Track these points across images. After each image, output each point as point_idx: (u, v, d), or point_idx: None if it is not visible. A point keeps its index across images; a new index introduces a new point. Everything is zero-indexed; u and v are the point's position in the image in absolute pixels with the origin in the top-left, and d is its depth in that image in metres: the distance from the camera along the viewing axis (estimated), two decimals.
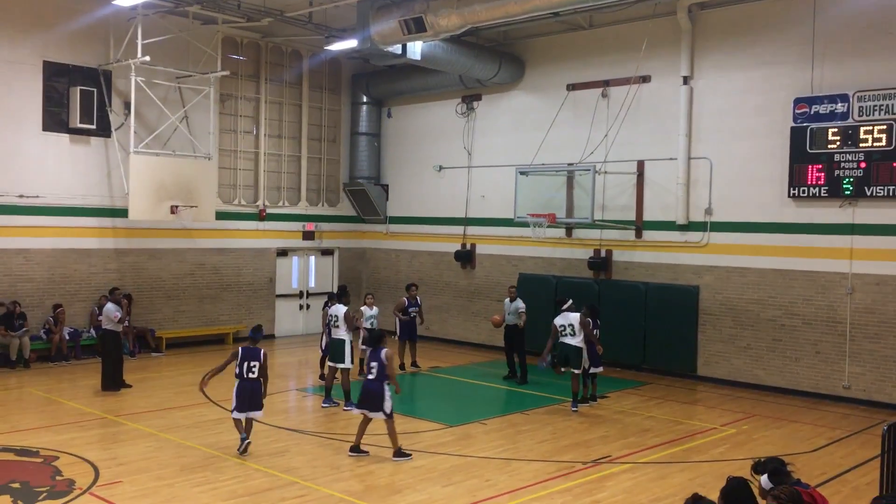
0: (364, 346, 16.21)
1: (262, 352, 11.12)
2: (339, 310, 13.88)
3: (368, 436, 12.07)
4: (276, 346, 20.57)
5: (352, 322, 13.99)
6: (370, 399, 10.85)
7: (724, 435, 12.60)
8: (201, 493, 9.36)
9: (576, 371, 13.84)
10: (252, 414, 11.04)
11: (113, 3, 16.25)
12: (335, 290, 21.04)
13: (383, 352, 10.91)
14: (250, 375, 10.98)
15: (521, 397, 15.48)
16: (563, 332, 13.90)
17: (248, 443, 10.93)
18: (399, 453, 10.82)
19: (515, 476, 10.24)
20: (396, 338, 17.44)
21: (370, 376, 10.89)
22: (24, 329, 16.68)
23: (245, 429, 11.00)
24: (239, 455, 10.80)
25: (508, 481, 10.03)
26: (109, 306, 14.84)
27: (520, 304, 16.23)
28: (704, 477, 10.30)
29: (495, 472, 10.42)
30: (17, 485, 9.40)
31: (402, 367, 17.24)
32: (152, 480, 9.75)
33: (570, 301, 14.32)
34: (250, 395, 10.97)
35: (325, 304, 15.90)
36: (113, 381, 14.73)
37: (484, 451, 11.35)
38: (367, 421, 11.01)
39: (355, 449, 10.96)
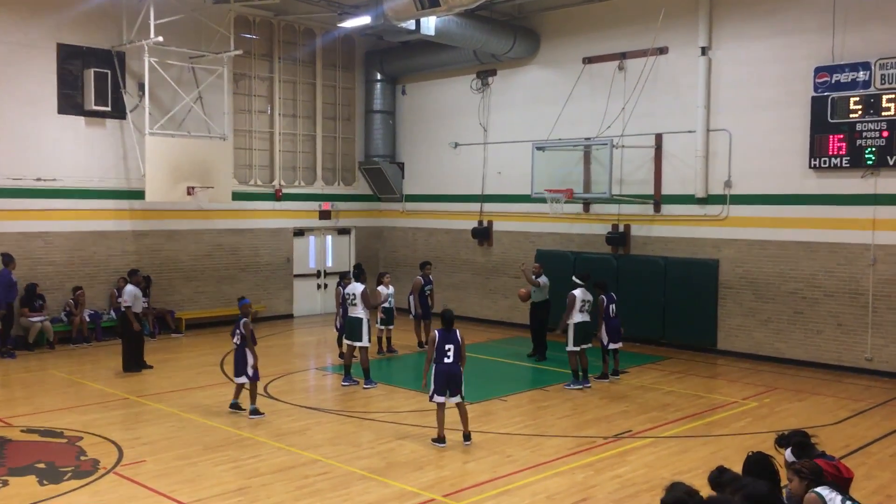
0: (382, 326, 16.39)
1: (241, 320, 11.87)
2: (357, 288, 13.87)
3: (387, 412, 12.12)
4: (294, 326, 20.65)
5: (369, 300, 13.98)
6: (455, 383, 10.41)
7: (745, 408, 12.53)
8: (224, 471, 9.41)
9: (585, 346, 13.91)
10: (236, 380, 11.94)
11: None
12: (349, 270, 21.19)
13: (458, 333, 10.54)
14: (236, 341, 11.91)
15: (540, 374, 15.46)
16: (584, 308, 13.90)
17: (233, 403, 11.97)
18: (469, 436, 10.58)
19: (537, 451, 10.24)
20: (412, 317, 17.43)
21: (447, 359, 10.36)
22: (43, 318, 16.76)
23: (239, 393, 12.01)
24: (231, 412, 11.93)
25: (530, 457, 10.02)
26: (129, 288, 14.91)
27: (543, 279, 16.19)
28: (727, 450, 10.24)
29: (517, 447, 10.41)
30: (42, 465, 9.50)
31: (420, 345, 17.27)
32: (176, 459, 9.81)
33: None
34: (235, 362, 11.96)
35: (339, 284, 15.92)
36: (134, 362, 14.83)
37: (505, 428, 11.34)
38: (445, 408, 10.54)
39: (442, 440, 10.45)
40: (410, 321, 17.60)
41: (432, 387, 10.48)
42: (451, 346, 10.41)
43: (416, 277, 17.57)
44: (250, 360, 11.73)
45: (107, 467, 9.45)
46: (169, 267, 19.27)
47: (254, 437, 10.76)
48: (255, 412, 11.70)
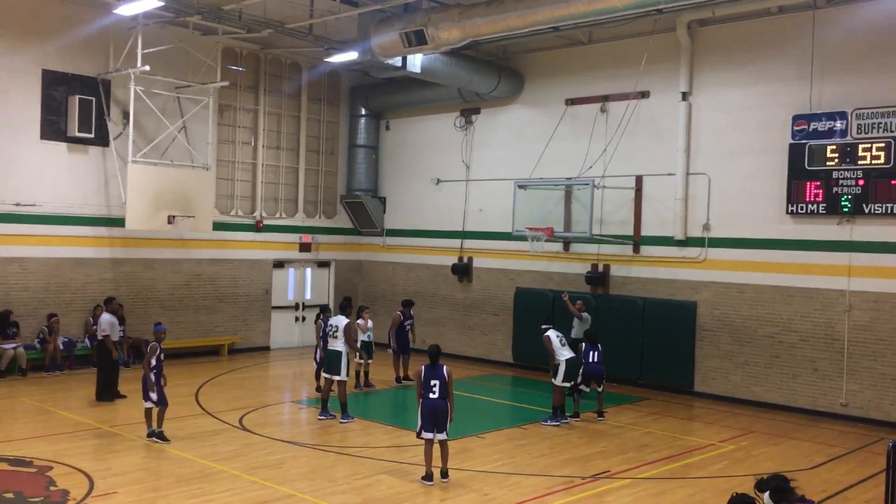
0: (361, 360, 16.29)
1: (149, 344, 12.28)
2: (341, 321, 13.82)
3: (364, 448, 12.02)
4: (270, 358, 20.47)
5: (351, 335, 13.91)
6: (440, 419, 10.29)
7: (722, 451, 12.55)
8: None
9: (567, 384, 14.08)
10: (144, 403, 12.12)
11: (114, 12, 16.22)
12: (328, 303, 21.16)
13: (444, 368, 10.44)
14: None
15: (518, 411, 15.43)
16: (564, 343, 14.05)
17: (150, 432, 12.03)
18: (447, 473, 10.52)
19: (515, 490, 10.17)
20: (391, 351, 17.38)
21: (432, 395, 10.26)
22: (16, 345, 16.51)
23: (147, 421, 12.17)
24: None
25: (507, 496, 9.95)
26: (105, 317, 14.76)
27: (585, 315, 16.25)
28: (704, 493, 10.25)
29: (494, 486, 10.35)
30: (10, 495, 9.30)
31: (397, 380, 17.20)
32: (148, 491, 9.65)
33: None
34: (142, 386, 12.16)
35: (318, 317, 15.86)
36: (108, 391, 14.62)
37: (482, 465, 11.28)
38: (433, 444, 10.40)
39: (430, 477, 10.34)
40: (389, 356, 17.53)
41: (419, 422, 10.41)
42: (437, 382, 10.37)
43: (395, 312, 17.54)
44: (146, 385, 11.92)
45: (77, 498, 9.25)
46: (146, 296, 19.09)
47: (227, 470, 10.61)
48: (154, 434, 11.93)
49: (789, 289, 15.75)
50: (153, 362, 11.89)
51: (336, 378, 13.65)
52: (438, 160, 21.90)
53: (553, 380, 14.01)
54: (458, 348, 21.04)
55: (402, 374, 17.35)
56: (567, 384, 13.97)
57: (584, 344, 14.51)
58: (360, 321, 16.29)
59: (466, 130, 21.30)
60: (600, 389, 14.43)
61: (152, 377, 11.86)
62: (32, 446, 11.42)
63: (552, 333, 14.19)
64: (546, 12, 14.42)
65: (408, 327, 17.29)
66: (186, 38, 18.45)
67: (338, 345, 13.68)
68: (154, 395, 11.87)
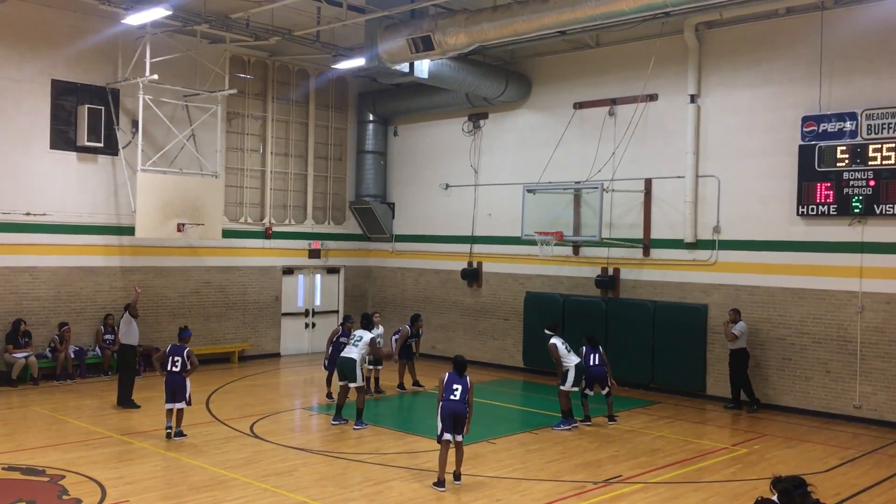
0: (371, 367, 16.25)
1: (185, 349, 12.59)
2: (365, 334, 14.01)
3: (375, 454, 12.00)
4: (281, 365, 20.48)
5: (377, 349, 14.35)
6: (458, 421, 10.35)
7: (735, 455, 12.48)
8: None
9: (576, 388, 14.09)
10: (176, 405, 12.47)
11: (122, 22, 16.30)
12: (337, 309, 21.22)
13: (468, 378, 10.55)
14: (173, 369, 12.47)
15: (529, 416, 15.38)
16: (570, 350, 14.05)
17: (172, 432, 12.42)
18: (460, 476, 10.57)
19: (526, 495, 10.14)
20: (395, 359, 17.31)
21: (453, 397, 10.37)
22: (28, 354, 16.55)
23: (174, 420, 12.50)
24: (166, 440, 12.38)
25: (519, 501, 9.93)
26: (126, 316, 14.84)
27: (741, 325, 15.81)
28: (717, 497, 10.19)
29: (506, 491, 10.31)
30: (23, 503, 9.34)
31: (400, 386, 17.13)
32: (160, 500, 9.66)
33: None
34: (172, 388, 12.43)
35: (340, 324, 15.91)
36: (128, 397, 14.72)
37: (494, 471, 11.24)
38: (449, 449, 10.42)
39: (441, 483, 10.32)
40: (394, 363, 17.45)
41: (440, 425, 10.42)
42: (459, 387, 10.45)
43: (404, 326, 17.34)
44: (189, 387, 12.54)
45: None
46: (156, 304, 19.12)
47: (239, 477, 10.61)
48: (180, 434, 12.53)
49: (801, 290, 15.67)
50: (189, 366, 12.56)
51: (353, 385, 13.66)
52: (447, 165, 21.89)
53: (561, 386, 13.97)
54: (468, 353, 20.85)
55: (405, 381, 17.21)
56: (575, 388, 13.95)
57: (584, 347, 14.41)
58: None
59: (474, 135, 21.30)
60: (604, 392, 14.35)
61: (188, 380, 12.54)
62: (45, 455, 11.45)
63: (557, 341, 14.16)
64: (553, 17, 14.41)
65: (411, 343, 17.15)
66: (194, 46, 18.52)
67: (351, 353, 13.71)
68: (189, 398, 12.60)
